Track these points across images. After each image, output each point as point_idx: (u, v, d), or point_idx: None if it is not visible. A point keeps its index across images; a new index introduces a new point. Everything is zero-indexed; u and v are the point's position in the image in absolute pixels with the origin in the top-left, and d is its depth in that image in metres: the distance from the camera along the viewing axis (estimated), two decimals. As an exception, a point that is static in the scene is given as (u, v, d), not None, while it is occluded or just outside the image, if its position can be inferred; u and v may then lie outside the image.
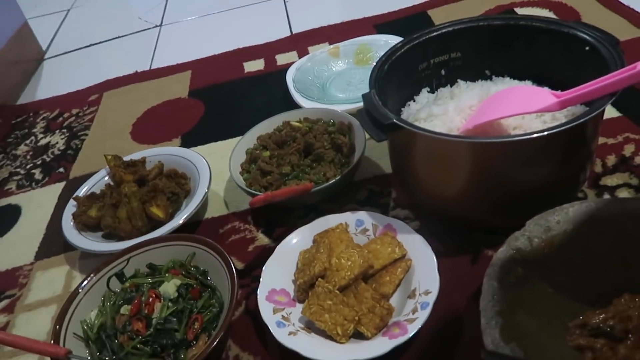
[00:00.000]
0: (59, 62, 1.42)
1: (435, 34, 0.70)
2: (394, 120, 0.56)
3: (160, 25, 1.47)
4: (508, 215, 0.61)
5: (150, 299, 0.58)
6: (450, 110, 0.65)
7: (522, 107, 0.58)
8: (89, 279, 0.61)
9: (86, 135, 1.04)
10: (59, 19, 1.66)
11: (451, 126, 0.64)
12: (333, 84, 0.96)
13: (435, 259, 0.57)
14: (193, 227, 0.75)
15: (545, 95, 0.58)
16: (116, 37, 1.46)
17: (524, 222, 0.62)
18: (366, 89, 0.93)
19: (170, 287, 0.59)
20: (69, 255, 0.76)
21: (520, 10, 1.08)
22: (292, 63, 1.02)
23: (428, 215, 0.68)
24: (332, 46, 1.01)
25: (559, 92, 0.57)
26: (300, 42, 1.16)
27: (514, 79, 0.71)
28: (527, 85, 0.61)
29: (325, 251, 0.59)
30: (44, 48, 1.48)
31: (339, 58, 1.00)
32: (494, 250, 0.62)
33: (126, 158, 0.83)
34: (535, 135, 0.49)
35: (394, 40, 0.98)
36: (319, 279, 0.57)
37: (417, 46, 0.69)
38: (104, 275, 0.63)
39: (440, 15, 1.13)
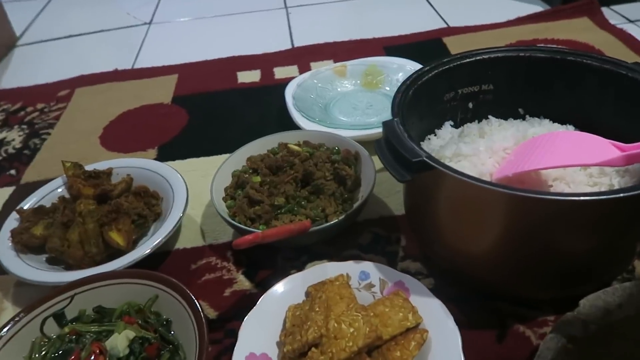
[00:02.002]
0: (31, 50, 1.28)
1: (467, 60, 0.61)
2: (424, 158, 0.45)
3: (150, 23, 1.35)
4: (543, 286, 0.51)
5: (92, 356, 0.45)
6: (481, 151, 0.55)
7: (576, 158, 0.48)
8: (16, 320, 0.48)
9: (48, 134, 0.91)
10: (40, 5, 1.53)
11: (482, 170, 0.54)
12: (337, 105, 0.85)
13: (459, 335, 0.46)
14: (159, 259, 0.63)
15: (605, 147, 0.48)
16: (99, 31, 1.33)
17: (558, 296, 0.53)
18: (374, 116, 0.84)
19: (120, 341, 0.46)
20: (3, 280, 0.62)
21: (542, 48, 1.00)
22: (292, 78, 0.91)
23: (444, 273, 0.57)
24: (338, 64, 0.91)
25: (621, 144, 0.47)
26: (302, 57, 1.06)
27: (554, 121, 0.61)
28: (580, 132, 0.52)
29: (322, 310, 0.48)
30: (17, 34, 1.34)
31: (345, 78, 0.90)
32: (524, 326, 0.51)
33: (89, 167, 0.70)
34: (613, 195, 0.39)
35: (408, 64, 0.88)
36: (313, 349, 0.45)
37: (446, 72, 0.60)
38: (39, 315, 0.49)
39: (456, 45, 1.04)
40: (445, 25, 1.16)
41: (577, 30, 1.04)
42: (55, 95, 1.03)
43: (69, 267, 0.59)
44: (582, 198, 0.40)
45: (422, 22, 1.19)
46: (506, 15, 1.14)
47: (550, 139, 0.52)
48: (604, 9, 1.10)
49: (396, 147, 0.47)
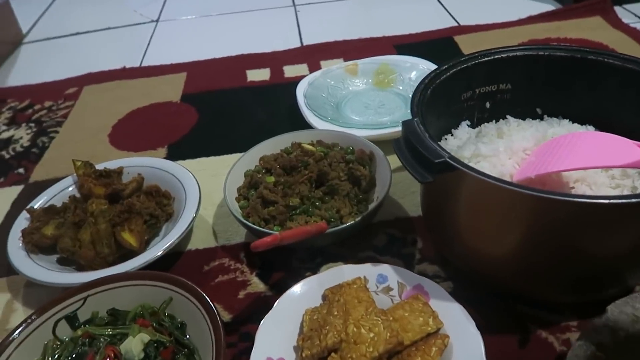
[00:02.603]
0: (38, 47, 1.27)
1: (485, 59, 0.59)
2: (447, 159, 0.44)
3: (157, 21, 1.34)
4: (566, 290, 0.49)
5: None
6: (500, 152, 0.54)
7: (600, 160, 0.47)
8: (28, 322, 0.47)
9: (57, 132, 0.90)
10: (47, 2, 1.52)
11: (502, 170, 0.53)
12: (349, 104, 0.84)
13: (481, 340, 0.45)
14: (171, 260, 0.62)
15: (630, 148, 0.47)
16: (106, 28, 1.32)
17: (580, 300, 0.52)
18: (387, 115, 0.83)
19: (135, 345, 0.45)
20: (13, 280, 0.61)
21: (556, 47, 0.99)
22: (302, 76, 0.90)
23: (463, 275, 0.56)
24: (350, 62, 0.90)
25: (648, 145, 0.46)
26: (312, 55, 1.05)
27: (573, 122, 0.60)
28: (603, 133, 0.50)
29: (341, 314, 0.47)
30: (24, 31, 1.33)
31: (356, 76, 0.89)
32: (546, 331, 0.50)
33: (99, 166, 0.69)
34: (637, 199, 0.38)
35: (421, 63, 0.87)
36: (332, 354, 0.44)
37: (464, 71, 0.59)
38: (51, 317, 0.49)
39: (468, 43, 1.03)
40: (455, 24, 1.15)
41: (589, 29, 1.03)
42: (62, 92, 1.02)
43: (80, 268, 0.58)
44: (607, 201, 0.39)
45: (431, 20, 1.18)
46: (517, 14, 1.13)
47: (572, 139, 0.51)
48: (617, 8, 1.09)
49: (417, 148, 0.46)
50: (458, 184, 0.47)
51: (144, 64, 1.12)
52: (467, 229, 0.50)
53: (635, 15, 1.08)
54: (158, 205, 0.64)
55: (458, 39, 1.05)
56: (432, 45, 1.04)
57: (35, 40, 1.30)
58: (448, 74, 0.57)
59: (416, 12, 1.23)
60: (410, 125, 0.48)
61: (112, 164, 0.70)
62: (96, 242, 0.57)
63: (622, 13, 1.08)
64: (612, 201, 0.39)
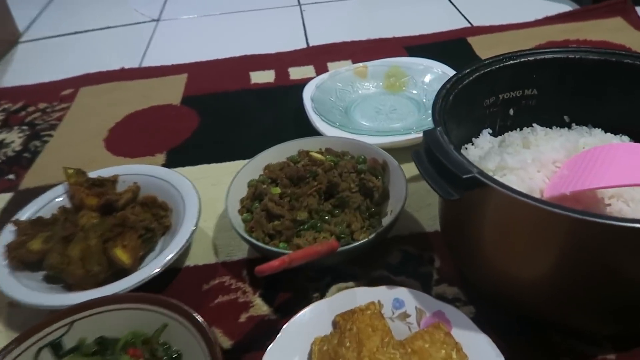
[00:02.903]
0: (35, 47, 1.23)
1: (510, 62, 0.55)
2: (476, 174, 0.39)
3: (158, 20, 1.30)
4: (604, 320, 0.44)
5: (93, 397, 0.39)
6: (528, 164, 0.49)
7: (646, 175, 0.42)
8: (8, 350, 0.42)
9: (50, 136, 0.85)
10: (45, 1, 1.48)
11: (531, 185, 0.48)
12: (358, 109, 0.79)
13: (513, 379, 0.40)
14: (167, 277, 0.57)
15: (679, 162, 0.42)
16: (105, 28, 1.28)
17: (619, 332, 0.47)
18: (399, 121, 0.78)
19: (125, 379, 0.40)
20: (-4, 299, 0.57)
21: (575, 50, 0.94)
22: (308, 79, 0.85)
23: (487, 299, 0.51)
24: (359, 64, 0.85)
25: (698, 160, 0.41)
26: (319, 57, 1.00)
27: (606, 131, 0.55)
28: (645, 144, 0.46)
29: (354, 346, 0.42)
30: (20, 30, 1.29)
31: (366, 79, 0.84)
32: (582, 365, 0.45)
33: (93, 174, 0.65)
34: None
35: (435, 66, 0.82)
36: (345, 393, 0.39)
37: (487, 75, 0.54)
38: (34, 345, 0.44)
39: (482, 45, 0.98)
40: (468, 24, 1.10)
41: (610, 30, 0.98)
42: (58, 94, 0.97)
43: (68, 287, 0.53)
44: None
45: (443, 20, 1.13)
46: (533, 15, 1.08)
47: (610, 151, 0.46)
48: (637, 9, 1.04)
49: (441, 161, 0.41)
50: (486, 200, 0.42)
51: (144, 64, 1.08)
52: (494, 249, 0.45)
53: (658, 16, 1.03)
54: (154, 217, 0.60)
55: (471, 40, 1.00)
56: (444, 46, 0.99)
57: (32, 40, 1.26)
58: (471, 78, 0.52)
59: (426, 12, 1.18)
60: (432, 135, 0.44)
61: (106, 172, 0.65)
62: (86, 259, 0.52)
63: (644, 14, 1.03)
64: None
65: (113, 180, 0.64)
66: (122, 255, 0.53)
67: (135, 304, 0.47)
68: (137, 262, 0.55)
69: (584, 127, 0.57)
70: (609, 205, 0.47)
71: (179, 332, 0.45)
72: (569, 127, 0.58)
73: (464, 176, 0.39)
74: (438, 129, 0.44)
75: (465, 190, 0.40)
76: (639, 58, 0.52)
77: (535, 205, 0.37)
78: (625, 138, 0.54)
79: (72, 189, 0.60)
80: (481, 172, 0.40)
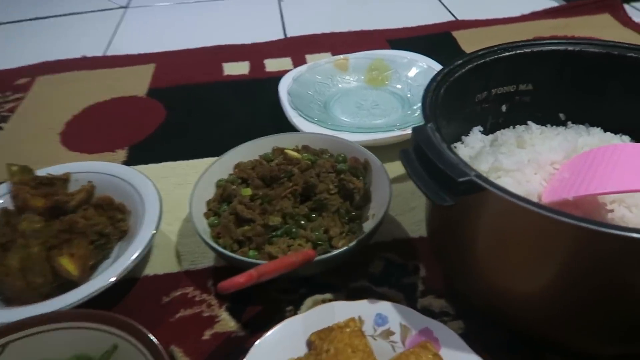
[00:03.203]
0: (-9, 33, 1.14)
1: (506, 54, 0.50)
2: (473, 177, 0.34)
3: (126, 7, 1.22)
4: (605, 340, 0.40)
5: None
6: (525, 165, 0.45)
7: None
8: None
9: (0, 129, 0.78)
10: (3, -15, 1.38)
11: (528, 188, 0.44)
12: (338, 103, 0.74)
13: (511, 410, 0.35)
14: (123, 288, 0.51)
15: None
16: (69, 14, 1.20)
17: (620, 352, 0.42)
18: (382, 117, 0.73)
19: (62, 414, 0.34)
20: None
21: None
22: (285, 71, 0.80)
23: (477, 313, 0.46)
24: (340, 57, 0.80)
25: None
26: (297, 48, 0.95)
27: (605, 130, 0.51)
28: (653, 145, 0.42)
29: (331, 372, 0.37)
30: (-24, 14, 1.20)
31: (347, 72, 0.79)
32: (583, 389, 0.40)
33: (42, 171, 0.58)
34: None
35: (420, 59, 0.77)
36: None
37: (481, 68, 0.49)
38: (-44, 372, 0.38)
39: (467, 39, 0.94)
40: (452, 18, 1.06)
41: (599, 27, 0.95)
42: (12, 83, 0.90)
43: (7, 301, 0.47)
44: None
45: (426, 13, 1.09)
46: (519, 10, 1.04)
47: (614, 153, 0.42)
48: (625, 6, 1.01)
49: (433, 162, 0.36)
50: (483, 206, 0.37)
51: (109, 53, 1.00)
52: (490, 259, 0.41)
53: (646, 14, 1.01)
54: (110, 220, 0.53)
55: (456, 34, 0.96)
56: (429, 40, 0.95)
57: (-13, 25, 1.17)
58: (463, 70, 0.47)
59: (410, 5, 1.14)
60: (423, 132, 0.38)
61: (57, 169, 0.59)
62: (27, 270, 0.46)
63: (631, 11, 1.00)
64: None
65: (64, 179, 0.57)
66: (68, 265, 0.46)
67: (79, 322, 0.40)
68: (87, 273, 0.48)
69: (581, 125, 0.53)
70: (611, 211, 0.43)
71: (131, 354, 0.39)
72: (565, 126, 0.54)
73: (460, 179, 0.34)
74: (429, 125, 0.39)
75: (460, 195, 0.35)
76: (643, 52, 0.48)
77: (540, 212, 0.32)
78: (626, 138, 0.50)
79: (15, 189, 0.53)
80: (479, 175, 0.35)
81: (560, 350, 0.43)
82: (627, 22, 0.95)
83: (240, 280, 0.35)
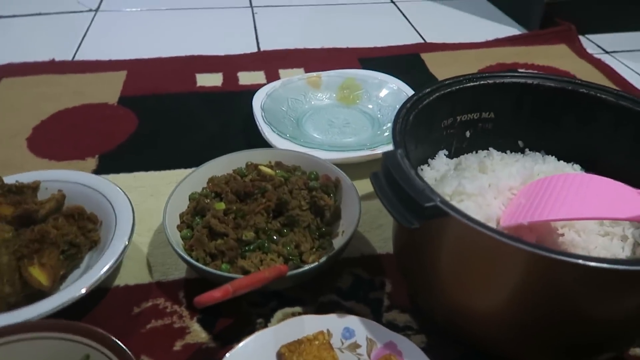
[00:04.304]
0: (-48, 30, 1.11)
1: (471, 84, 0.53)
2: (438, 203, 0.37)
3: (97, 10, 1.21)
4: (552, 355, 0.43)
5: None
6: (486, 190, 0.48)
7: (605, 210, 0.42)
8: None
9: (-37, 132, 0.76)
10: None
11: (488, 213, 0.47)
12: (310, 120, 0.76)
13: (468, 420, 0.38)
14: (93, 299, 0.51)
15: (634, 198, 0.42)
16: (36, 14, 1.17)
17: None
18: (352, 135, 0.76)
19: None
20: None
21: (523, 73, 0.96)
22: (258, 85, 0.82)
23: (439, 329, 0.49)
24: (312, 74, 0.82)
25: (652, 195, 0.41)
26: (270, 62, 0.96)
27: (559, 158, 0.55)
28: (600, 177, 0.45)
29: (301, 384, 0.38)
30: (-64, 9, 1.16)
31: (319, 90, 0.81)
32: (533, 400, 0.44)
33: (9, 178, 0.57)
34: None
35: (391, 81, 0.80)
36: None
37: (448, 96, 0.52)
38: None
39: (435, 62, 0.98)
40: (421, 39, 1.10)
41: (556, 56, 1.01)
42: (-24, 84, 0.87)
43: (-28, 310, 0.46)
44: (626, 267, 0.33)
45: (396, 34, 1.13)
46: (483, 35, 1.10)
47: (565, 182, 0.46)
48: (581, 38, 1.08)
49: (402, 187, 0.39)
50: (446, 228, 0.40)
51: (78, 57, 0.99)
52: (451, 278, 0.43)
53: (599, 46, 1.08)
54: (81, 230, 0.53)
55: (425, 56, 1.00)
56: (399, 61, 0.98)
57: (-52, 21, 1.13)
58: (431, 98, 0.51)
59: (380, 25, 1.18)
60: (393, 157, 0.41)
61: (26, 177, 0.58)
62: (-5, 279, 0.45)
63: (586, 43, 1.07)
64: (631, 267, 0.33)
65: (34, 187, 0.56)
66: (39, 275, 0.46)
67: (50, 333, 0.40)
68: (57, 283, 0.48)
69: (537, 153, 0.57)
70: (562, 235, 0.46)
71: (103, 366, 0.39)
72: (523, 152, 0.58)
73: (426, 204, 0.37)
74: (399, 151, 0.42)
75: (425, 218, 0.37)
76: (594, 88, 0.52)
77: (497, 238, 0.35)
78: (577, 167, 0.55)
79: (-18, 196, 0.53)
80: (443, 201, 0.37)
81: (511, 362, 0.46)
82: (582, 53, 1.02)
83: (216, 294, 0.36)
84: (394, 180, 0.39)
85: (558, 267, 0.35)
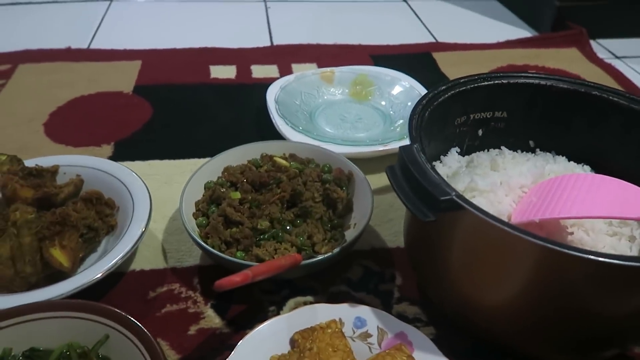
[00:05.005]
0: (-31, 15, 1.12)
1: (485, 83, 0.54)
2: (454, 197, 0.38)
3: (111, 0, 1.22)
4: (561, 349, 0.45)
5: (17, 421, 0.34)
6: (497, 187, 0.49)
7: (615, 210, 0.43)
8: None
9: (-19, 115, 0.77)
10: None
11: (499, 209, 0.48)
12: (323, 114, 0.77)
13: (476, 409, 0.39)
14: (109, 282, 0.52)
15: (642, 198, 0.43)
16: (53, 2, 1.18)
17: None
18: (364, 131, 0.77)
19: (56, 400, 0.36)
20: None
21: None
22: (271, 78, 0.83)
23: (448, 321, 0.50)
24: (326, 69, 0.83)
25: (662, 196, 0.42)
26: (283, 57, 0.97)
27: (569, 159, 0.56)
28: (610, 178, 0.46)
29: (314, 368, 0.40)
30: (-47, -6, 1.17)
31: (332, 85, 0.82)
32: (538, 393, 0.45)
33: (30, 162, 0.58)
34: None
35: (403, 78, 0.81)
36: (304, 420, 0.37)
37: (462, 94, 0.53)
38: (-53, 356, 0.38)
39: (446, 61, 0.99)
40: (432, 39, 1.11)
41: (567, 60, 1.02)
42: (-7, 69, 0.89)
43: (-6, 288, 0.47)
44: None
45: (408, 32, 1.14)
46: (494, 37, 1.10)
47: (576, 182, 0.47)
48: (592, 42, 1.09)
49: (418, 180, 0.40)
50: (459, 222, 0.41)
51: (93, 46, 1.00)
52: (463, 271, 0.44)
53: (609, 51, 1.08)
54: (98, 215, 0.54)
55: (436, 55, 1.01)
56: (410, 59, 0.99)
57: (-34, 6, 1.15)
58: (446, 95, 0.51)
59: (392, 23, 1.18)
60: (409, 152, 0.42)
61: (45, 161, 0.59)
62: (17, 259, 0.47)
63: (596, 48, 1.08)
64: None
65: (53, 171, 0.58)
66: (59, 256, 0.47)
67: (72, 312, 0.42)
68: (77, 265, 0.50)
69: (548, 153, 0.58)
70: (571, 233, 0.47)
71: (122, 344, 0.41)
72: (534, 152, 0.58)
73: (442, 198, 0.38)
74: (415, 145, 0.43)
75: (441, 211, 0.38)
76: (606, 91, 0.53)
77: (510, 231, 0.36)
78: (587, 168, 0.55)
79: (3, 178, 0.54)
80: (459, 195, 0.38)
81: (519, 357, 0.47)
82: (593, 58, 1.02)
83: (237, 279, 0.37)
84: (410, 173, 0.40)
85: (570, 262, 0.36)
